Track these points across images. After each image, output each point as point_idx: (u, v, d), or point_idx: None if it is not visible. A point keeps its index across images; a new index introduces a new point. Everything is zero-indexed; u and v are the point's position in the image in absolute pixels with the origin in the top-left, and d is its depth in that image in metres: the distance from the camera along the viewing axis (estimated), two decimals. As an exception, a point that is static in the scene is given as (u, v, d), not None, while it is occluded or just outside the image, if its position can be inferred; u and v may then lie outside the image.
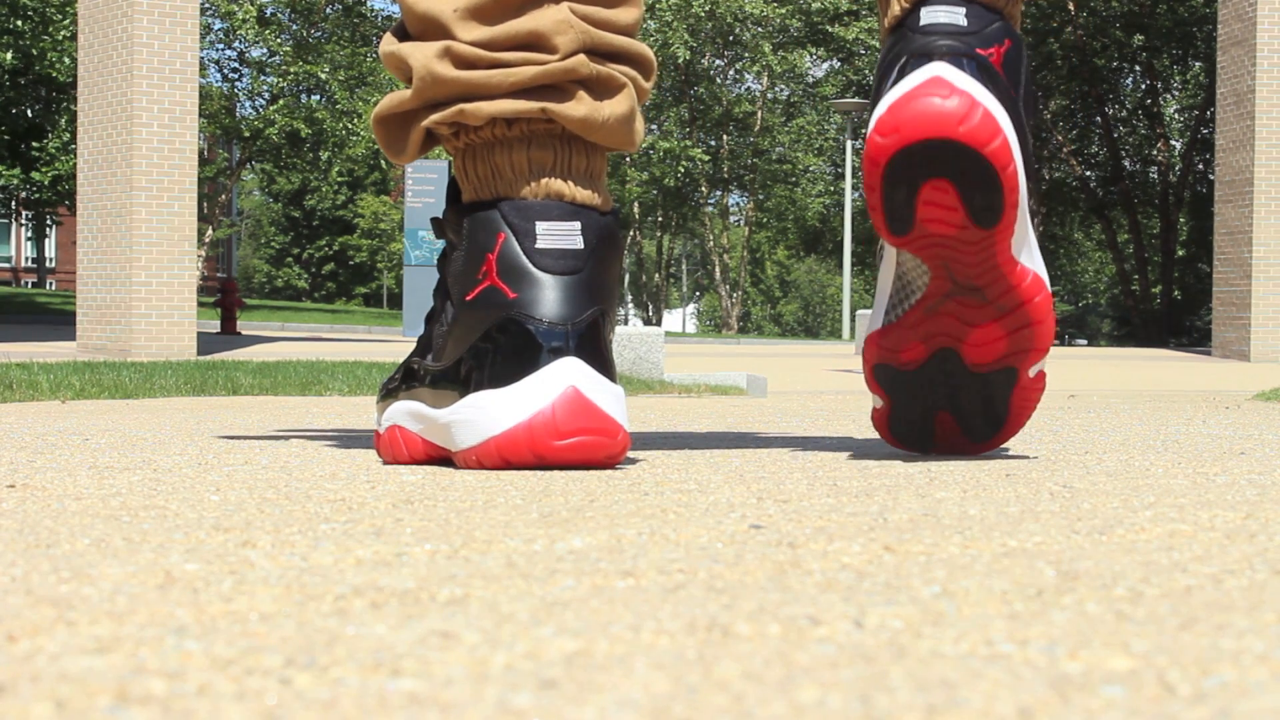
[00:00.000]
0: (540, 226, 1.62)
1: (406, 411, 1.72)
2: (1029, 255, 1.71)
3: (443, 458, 1.69)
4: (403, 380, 1.75)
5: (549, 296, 1.60)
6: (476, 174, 1.68)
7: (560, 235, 1.63)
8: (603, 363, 1.61)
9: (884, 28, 1.72)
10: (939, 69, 1.61)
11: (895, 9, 1.69)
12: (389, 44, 1.71)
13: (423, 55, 1.65)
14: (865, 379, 1.80)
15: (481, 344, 1.62)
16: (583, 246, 1.63)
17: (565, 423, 1.56)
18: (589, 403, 1.57)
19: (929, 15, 1.66)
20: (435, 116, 1.66)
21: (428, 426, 1.69)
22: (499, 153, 1.66)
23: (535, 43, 1.65)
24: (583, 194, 1.65)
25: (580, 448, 1.57)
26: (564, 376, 1.57)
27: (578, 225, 1.63)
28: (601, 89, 1.67)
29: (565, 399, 1.56)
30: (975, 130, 1.57)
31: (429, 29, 1.67)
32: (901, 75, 1.63)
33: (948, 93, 1.58)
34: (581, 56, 1.64)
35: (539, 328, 1.59)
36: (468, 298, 1.64)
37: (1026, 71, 1.71)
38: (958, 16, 1.66)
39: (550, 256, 1.62)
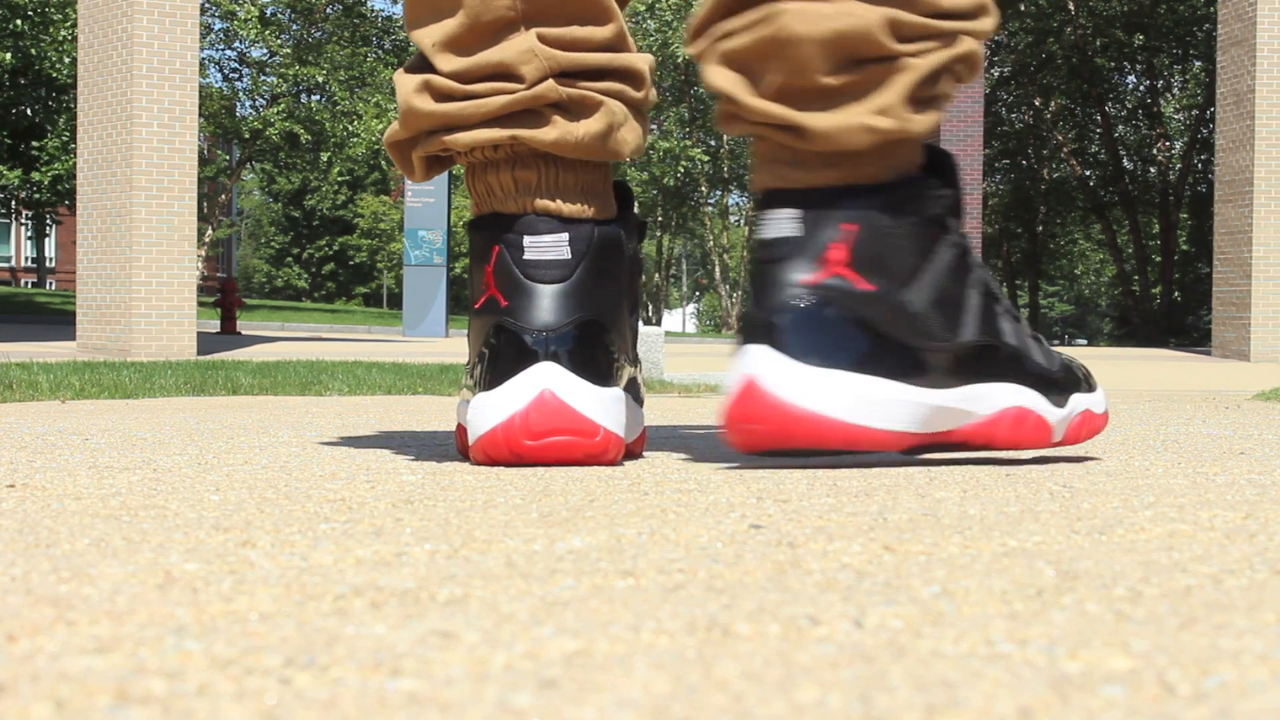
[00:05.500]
0: (527, 240, 1.71)
1: (462, 406, 1.83)
2: None
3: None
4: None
5: (535, 304, 1.69)
6: (475, 192, 1.77)
7: (547, 247, 1.71)
8: (587, 367, 1.67)
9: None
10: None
11: None
12: (397, 74, 1.80)
13: (404, 89, 1.75)
14: None
15: (483, 349, 1.71)
16: (569, 256, 1.71)
17: (538, 424, 1.63)
18: (563, 404, 1.64)
19: None
20: (420, 149, 1.77)
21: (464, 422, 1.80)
22: (489, 173, 1.75)
23: (504, 73, 1.72)
24: (570, 208, 1.73)
25: (555, 448, 1.64)
26: (539, 380, 1.65)
27: (566, 237, 1.71)
28: (577, 110, 1.73)
29: (539, 401, 1.64)
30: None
31: (417, 61, 1.77)
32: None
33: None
34: (550, 82, 1.71)
35: (524, 334, 1.67)
36: (475, 306, 1.75)
37: None
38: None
39: (538, 267, 1.70)
